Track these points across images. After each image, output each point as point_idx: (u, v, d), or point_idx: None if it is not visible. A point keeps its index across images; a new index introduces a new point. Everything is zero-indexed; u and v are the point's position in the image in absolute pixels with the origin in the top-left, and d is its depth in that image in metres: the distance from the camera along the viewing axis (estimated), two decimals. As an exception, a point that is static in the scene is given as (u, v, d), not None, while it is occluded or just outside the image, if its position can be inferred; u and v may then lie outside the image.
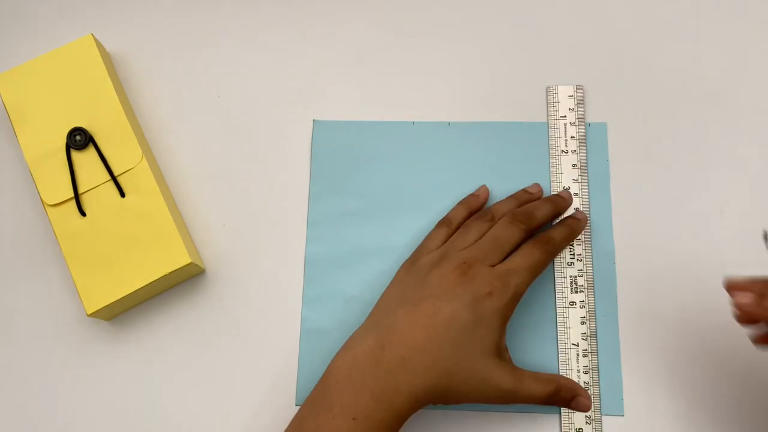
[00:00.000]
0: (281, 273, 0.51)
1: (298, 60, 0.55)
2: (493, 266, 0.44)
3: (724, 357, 0.47)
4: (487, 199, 0.50)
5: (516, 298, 0.44)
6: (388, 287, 0.47)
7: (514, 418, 0.47)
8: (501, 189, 0.51)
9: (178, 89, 0.55)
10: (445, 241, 0.47)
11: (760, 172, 0.51)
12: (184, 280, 0.50)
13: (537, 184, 0.51)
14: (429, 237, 0.48)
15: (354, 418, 0.40)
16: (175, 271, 0.47)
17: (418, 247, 0.48)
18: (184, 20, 0.56)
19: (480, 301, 0.42)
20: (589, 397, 0.45)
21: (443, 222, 0.49)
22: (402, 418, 0.41)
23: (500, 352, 0.43)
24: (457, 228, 0.48)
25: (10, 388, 0.49)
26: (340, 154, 0.53)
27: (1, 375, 0.49)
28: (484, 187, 0.51)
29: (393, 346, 0.41)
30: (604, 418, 0.47)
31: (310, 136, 0.53)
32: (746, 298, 0.37)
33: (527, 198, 0.50)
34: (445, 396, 0.42)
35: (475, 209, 0.50)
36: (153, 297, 0.50)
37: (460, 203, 0.50)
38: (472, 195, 0.51)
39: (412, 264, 0.47)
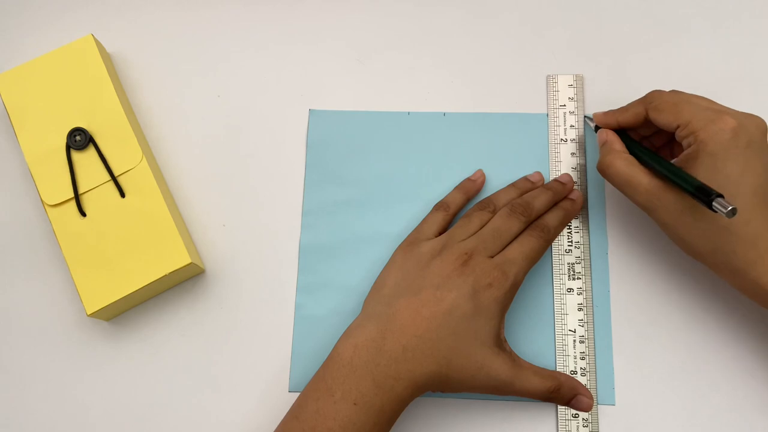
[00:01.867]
0: (281, 271, 0.51)
1: (297, 57, 0.55)
2: (492, 257, 0.45)
3: (716, 347, 0.48)
4: (483, 183, 0.51)
5: (515, 288, 0.45)
6: (385, 270, 0.47)
7: (512, 407, 0.47)
8: (497, 179, 0.51)
9: (178, 89, 0.55)
10: (442, 226, 0.48)
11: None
12: (184, 280, 0.51)
13: (538, 173, 0.51)
14: (425, 221, 0.49)
15: (355, 403, 0.41)
16: (175, 271, 0.47)
17: (414, 231, 0.48)
18: (185, 20, 0.56)
19: (480, 291, 0.43)
20: (591, 396, 0.46)
21: (440, 206, 0.49)
22: (402, 404, 0.42)
23: (499, 342, 0.44)
24: (455, 213, 0.49)
25: (10, 388, 0.49)
26: (335, 144, 0.53)
27: (1, 375, 0.49)
28: (480, 171, 0.51)
29: (394, 334, 0.42)
30: (596, 407, 0.47)
31: (307, 126, 0.53)
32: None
33: (528, 186, 0.50)
34: (444, 384, 0.43)
35: (471, 194, 0.50)
36: (153, 297, 0.50)
37: (457, 188, 0.51)
38: (468, 179, 0.51)
39: (409, 249, 0.47)
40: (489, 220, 0.47)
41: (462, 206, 0.50)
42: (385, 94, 0.54)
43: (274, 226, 0.52)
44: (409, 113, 0.54)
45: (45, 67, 0.51)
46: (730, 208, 0.38)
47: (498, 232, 0.46)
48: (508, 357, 0.44)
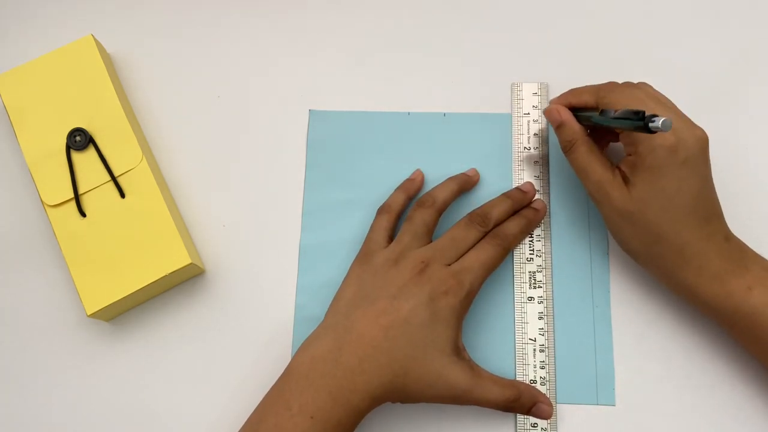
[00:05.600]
0: (281, 271, 0.51)
1: (297, 57, 0.55)
2: (449, 265, 0.45)
3: (716, 347, 0.47)
4: (422, 182, 0.51)
5: (471, 295, 0.45)
6: (343, 283, 0.47)
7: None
8: (494, 178, 0.52)
9: (178, 89, 0.55)
10: (389, 229, 0.48)
11: (758, 169, 0.51)
12: (184, 281, 0.51)
13: (473, 169, 0.51)
14: (373, 229, 0.49)
15: (312, 417, 0.41)
16: (175, 271, 0.47)
17: (366, 241, 0.48)
18: (185, 20, 0.56)
19: (437, 299, 0.43)
20: (550, 404, 0.45)
21: (383, 209, 0.49)
22: (359, 416, 0.42)
23: (458, 351, 0.44)
24: (398, 213, 0.49)
25: (9, 388, 0.49)
26: (335, 144, 0.53)
27: (0, 375, 0.49)
28: (418, 170, 0.51)
29: (351, 345, 0.42)
30: (596, 407, 0.47)
31: (307, 126, 0.53)
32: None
33: (464, 179, 0.50)
34: (402, 394, 0.43)
35: (412, 193, 0.51)
36: (153, 297, 0.50)
37: (398, 189, 0.51)
38: (408, 179, 0.51)
39: (365, 260, 0.47)
40: (429, 216, 0.47)
41: (404, 206, 0.50)
42: (385, 94, 0.54)
43: (274, 226, 0.52)
44: (409, 113, 0.54)
45: (45, 67, 0.51)
46: (662, 120, 0.38)
47: (455, 241, 0.46)
48: (466, 365, 0.43)
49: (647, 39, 0.54)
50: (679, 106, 0.53)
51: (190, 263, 0.47)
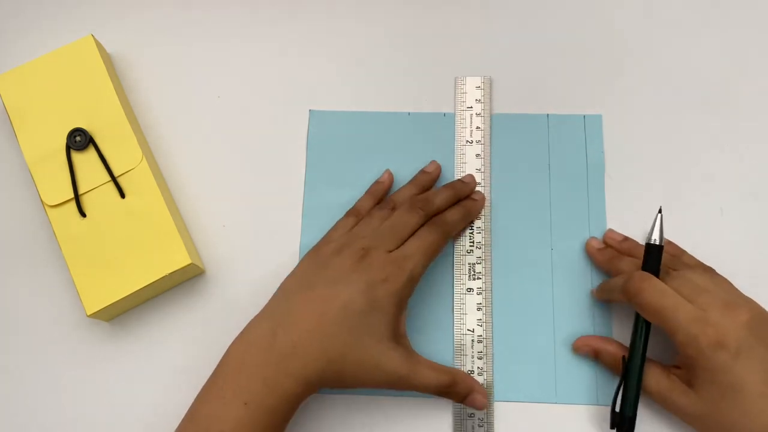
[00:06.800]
0: (281, 272, 0.50)
1: (297, 57, 0.55)
2: (390, 252, 0.45)
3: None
4: (391, 184, 0.51)
5: (411, 282, 0.44)
6: (288, 275, 0.47)
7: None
8: (496, 177, 0.52)
9: (178, 89, 0.55)
10: (350, 229, 0.48)
11: (760, 171, 0.51)
12: (184, 281, 0.51)
13: (434, 162, 0.51)
14: (335, 227, 0.49)
15: (245, 403, 0.40)
16: (175, 272, 0.47)
17: (323, 237, 0.48)
18: (185, 21, 0.56)
19: (375, 286, 0.43)
20: (485, 395, 0.45)
21: (351, 212, 0.49)
22: (294, 402, 0.42)
23: (397, 338, 0.44)
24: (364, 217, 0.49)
25: (10, 389, 0.49)
26: (335, 144, 0.53)
27: (1, 375, 0.49)
28: (387, 172, 0.52)
29: (286, 331, 0.42)
30: (596, 407, 0.47)
31: (307, 126, 0.54)
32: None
33: (426, 180, 0.50)
34: (338, 380, 0.42)
35: (380, 195, 0.51)
36: (153, 297, 0.50)
37: (367, 192, 0.51)
38: (376, 182, 0.51)
39: (314, 251, 0.47)
40: (387, 214, 0.47)
41: (371, 209, 0.50)
42: (385, 94, 0.54)
43: (274, 226, 0.52)
44: (409, 113, 0.54)
45: (45, 67, 0.51)
46: None
47: (396, 228, 0.46)
48: (404, 351, 0.43)
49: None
50: (678, 106, 0.53)
51: (190, 263, 0.47)
